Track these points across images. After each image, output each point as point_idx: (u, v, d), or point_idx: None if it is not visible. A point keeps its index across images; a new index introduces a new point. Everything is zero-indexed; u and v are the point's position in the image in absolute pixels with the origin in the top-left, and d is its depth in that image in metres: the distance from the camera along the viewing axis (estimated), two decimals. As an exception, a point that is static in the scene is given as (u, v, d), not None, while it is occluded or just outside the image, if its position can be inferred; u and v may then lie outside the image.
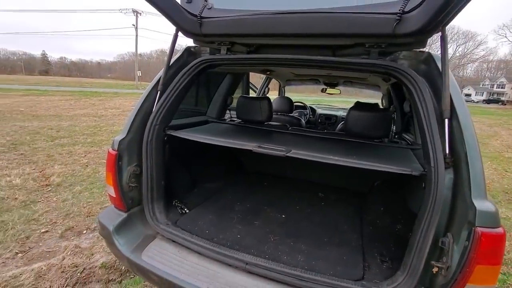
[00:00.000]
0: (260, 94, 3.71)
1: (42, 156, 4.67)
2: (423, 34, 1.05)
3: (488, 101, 51.62)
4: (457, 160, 1.02)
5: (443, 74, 1.06)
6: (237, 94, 2.71)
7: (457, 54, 57.35)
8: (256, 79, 4.32)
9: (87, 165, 4.35)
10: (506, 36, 44.84)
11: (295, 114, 3.87)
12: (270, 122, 2.36)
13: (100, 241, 2.36)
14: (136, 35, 35.55)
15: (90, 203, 3.09)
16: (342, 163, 1.21)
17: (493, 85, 60.61)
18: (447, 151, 1.04)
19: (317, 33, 1.20)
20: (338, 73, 2.47)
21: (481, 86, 62.22)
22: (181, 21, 1.36)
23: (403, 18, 1.04)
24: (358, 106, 2.02)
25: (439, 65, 1.13)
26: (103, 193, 3.37)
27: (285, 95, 4.06)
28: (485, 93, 58.85)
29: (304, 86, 4.60)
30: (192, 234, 1.47)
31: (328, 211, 1.97)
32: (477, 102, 52.63)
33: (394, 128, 2.63)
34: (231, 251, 1.32)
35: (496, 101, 50.11)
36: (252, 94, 3.91)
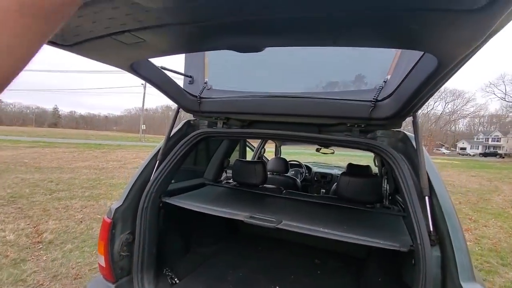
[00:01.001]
0: (256, 155, 3.84)
1: (38, 210, 4.62)
2: (395, 118, 1.19)
3: (485, 154, 52.28)
4: (441, 237, 1.05)
5: (418, 154, 1.16)
6: (235, 155, 2.83)
7: (447, 111, 60.13)
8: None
9: (81, 221, 4.28)
10: (494, 93, 47.77)
11: (291, 173, 3.94)
12: (265, 185, 2.42)
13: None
14: (144, 93, 37.95)
15: (79, 264, 2.98)
16: (331, 237, 1.23)
17: (488, 138, 62.17)
18: (431, 228, 1.07)
19: (304, 114, 1.34)
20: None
21: (475, 140, 63.75)
22: (183, 101, 1.53)
23: (377, 105, 1.19)
24: (350, 170, 2.10)
25: (415, 144, 1.24)
26: (94, 252, 3.27)
27: (281, 155, 4.19)
28: (480, 147, 60.01)
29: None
30: None
31: (324, 281, 1.89)
32: (474, 155, 53.30)
33: (387, 188, 2.66)
34: None
35: (494, 154, 50.72)
36: (249, 152, 4.05)
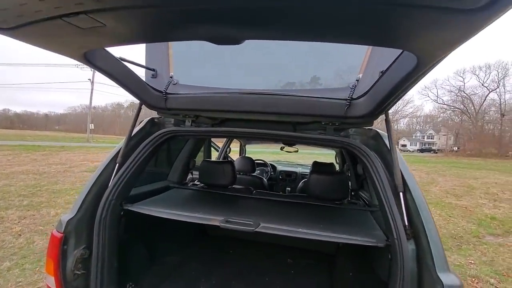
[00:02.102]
0: (222, 155, 3.74)
1: (-35, 225, 3.92)
2: (370, 117, 1.21)
3: (421, 150, 59.06)
4: (416, 231, 1.10)
5: (391, 151, 1.20)
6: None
7: (391, 112, 66.21)
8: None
9: (20, 234, 3.74)
10: (428, 96, 53.89)
11: (257, 172, 3.92)
12: (234, 186, 2.34)
13: None
14: (92, 89, 34.74)
15: (20, 284, 2.59)
16: (311, 237, 1.22)
17: (424, 136, 70.05)
18: (406, 223, 1.11)
19: (279, 112, 1.30)
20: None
21: (413, 137, 71.37)
22: (147, 97, 1.38)
23: (352, 103, 1.20)
24: (317, 168, 2.13)
25: (386, 142, 1.28)
26: (37, 269, 2.87)
27: (246, 154, 4.14)
28: (418, 143, 67.40)
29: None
30: None
31: (299, 281, 1.89)
32: (413, 151, 59.76)
33: (350, 185, 2.78)
34: None
35: (429, 150, 57.58)
36: (213, 151, 3.93)
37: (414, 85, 0.96)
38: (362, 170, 2.09)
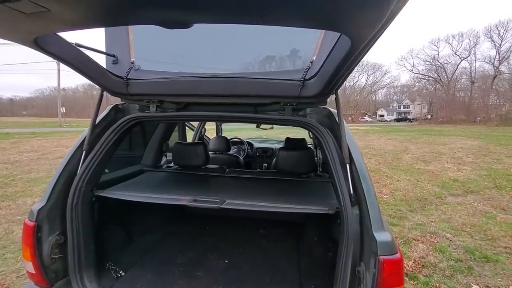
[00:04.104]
0: (197, 136, 3.77)
1: None
2: (321, 96, 1.30)
3: (398, 120, 61.40)
4: (359, 198, 1.24)
5: (340, 127, 1.31)
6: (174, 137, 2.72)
7: (369, 83, 67.47)
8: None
9: (-4, 226, 3.69)
10: (405, 66, 55.12)
11: (233, 150, 4.01)
12: (208, 166, 2.42)
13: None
14: (58, 69, 32.47)
15: (3, 272, 2.63)
16: (270, 209, 1.34)
17: (400, 106, 72.46)
18: (351, 191, 1.25)
19: (240, 94, 1.37)
20: None
21: (390, 107, 73.65)
22: (107, 83, 1.39)
23: (305, 84, 1.28)
24: (287, 145, 2.25)
25: (337, 119, 1.39)
26: (19, 257, 2.89)
27: (223, 133, 4.19)
28: (395, 113, 69.76)
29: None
30: None
31: (269, 248, 2.07)
32: (390, 121, 62.04)
33: (320, 157, 2.95)
34: None
35: (405, 119, 59.91)
36: (189, 132, 3.94)
37: (354, 66, 1.05)
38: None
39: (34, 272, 1.31)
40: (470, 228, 3.85)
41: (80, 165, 1.45)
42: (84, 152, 1.47)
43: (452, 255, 3.06)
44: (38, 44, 0.96)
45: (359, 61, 1.02)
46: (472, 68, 44.87)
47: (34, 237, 1.29)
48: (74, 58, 1.20)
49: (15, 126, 27.60)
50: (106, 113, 1.61)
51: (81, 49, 1.21)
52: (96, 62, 1.33)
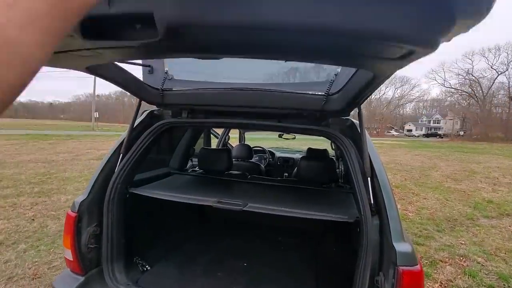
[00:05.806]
0: (221, 143, 3.90)
1: (-20, 211, 4.18)
2: (344, 112, 1.35)
3: (427, 135, 58.49)
4: (379, 209, 1.25)
5: (362, 140, 1.34)
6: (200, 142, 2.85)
7: (396, 96, 65.49)
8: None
9: (33, 219, 3.98)
10: (435, 79, 52.97)
11: (255, 158, 4.08)
12: (231, 171, 2.51)
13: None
14: (95, 78, 34.61)
15: (37, 263, 2.81)
16: (290, 214, 1.38)
17: (430, 120, 69.36)
18: (371, 201, 1.26)
19: (264, 106, 1.45)
20: None
21: (419, 122, 70.73)
22: (145, 95, 1.53)
23: (329, 98, 1.33)
24: (309, 154, 2.28)
25: (359, 130, 1.42)
26: (52, 250, 3.10)
27: (245, 141, 4.28)
28: (424, 128, 66.82)
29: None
30: None
31: (287, 255, 2.09)
32: (418, 136, 59.30)
33: (342, 169, 2.93)
34: None
35: (434, 135, 57.00)
36: (214, 139, 4.08)
37: (380, 85, 1.09)
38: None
39: (72, 259, 1.44)
40: (505, 253, 3.58)
41: (118, 164, 1.59)
42: (121, 154, 1.62)
43: (484, 280, 2.87)
44: (89, 69, 1.09)
45: (382, 83, 1.07)
46: (510, 83, 42.23)
47: (75, 227, 1.43)
48: (118, 76, 1.32)
49: (53, 128, 29.76)
50: (142, 118, 1.75)
51: (120, 65, 1.34)
52: (135, 77, 1.45)
